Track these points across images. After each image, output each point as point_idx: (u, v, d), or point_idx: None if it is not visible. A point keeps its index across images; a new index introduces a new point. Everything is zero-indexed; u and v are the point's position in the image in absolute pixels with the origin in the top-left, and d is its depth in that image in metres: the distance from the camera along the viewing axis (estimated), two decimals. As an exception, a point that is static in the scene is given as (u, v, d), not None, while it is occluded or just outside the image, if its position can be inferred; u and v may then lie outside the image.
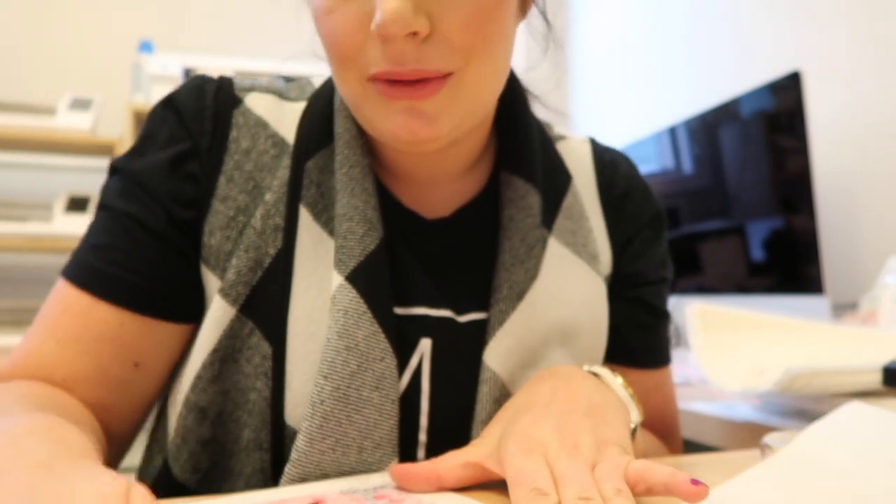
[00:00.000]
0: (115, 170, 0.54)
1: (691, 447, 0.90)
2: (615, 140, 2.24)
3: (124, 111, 2.13)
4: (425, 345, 0.52)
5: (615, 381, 0.50)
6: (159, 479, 0.54)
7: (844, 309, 1.29)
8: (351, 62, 0.46)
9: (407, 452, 0.51)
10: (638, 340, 0.62)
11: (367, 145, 0.54)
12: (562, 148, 0.62)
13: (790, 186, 1.39)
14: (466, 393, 0.52)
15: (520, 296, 0.53)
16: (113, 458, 0.53)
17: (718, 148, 1.62)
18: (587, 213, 0.60)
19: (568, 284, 0.56)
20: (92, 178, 2.30)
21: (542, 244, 0.55)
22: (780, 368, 0.71)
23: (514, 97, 0.58)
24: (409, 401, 0.51)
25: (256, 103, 0.55)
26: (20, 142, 2.06)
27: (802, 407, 0.80)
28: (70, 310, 0.50)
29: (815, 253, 1.31)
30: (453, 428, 0.52)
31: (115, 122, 2.26)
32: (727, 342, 0.85)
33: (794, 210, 1.38)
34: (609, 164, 0.64)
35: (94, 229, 0.53)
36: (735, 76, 1.83)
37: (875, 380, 0.69)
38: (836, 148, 1.51)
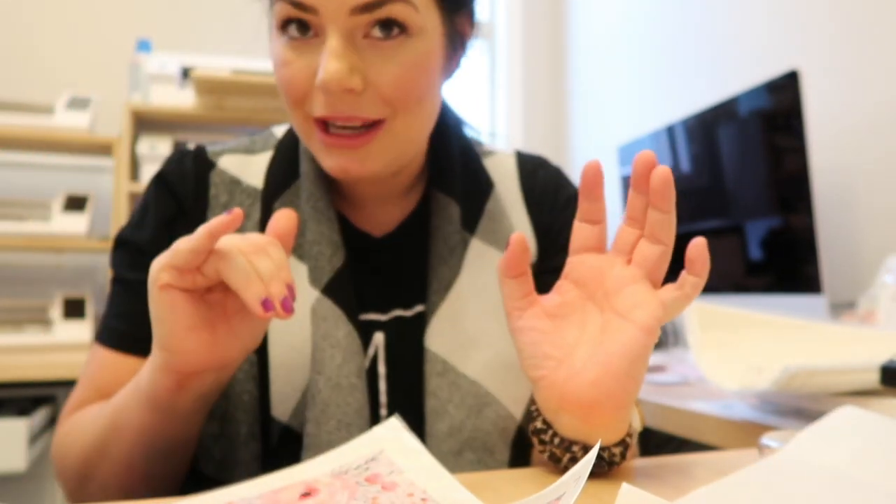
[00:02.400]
0: (121, 243, 0.65)
1: (689, 446, 0.90)
2: (614, 139, 2.24)
3: (122, 110, 2.12)
4: (378, 338, 0.64)
5: None
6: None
7: (842, 308, 1.29)
8: (300, 105, 0.57)
9: (373, 425, 0.57)
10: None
11: (327, 180, 0.65)
12: (489, 162, 0.73)
13: (788, 185, 1.39)
14: (415, 371, 0.62)
15: (447, 288, 0.64)
16: (179, 464, 0.61)
17: (716, 147, 1.62)
18: (508, 213, 0.70)
19: (490, 275, 0.66)
20: (90, 177, 2.30)
21: (464, 245, 0.66)
22: (778, 367, 0.71)
23: (441, 129, 0.68)
24: (370, 383, 0.62)
25: (228, 164, 0.67)
26: (18, 141, 2.06)
27: (800, 406, 0.80)
28: (104, 366, 0.62)
29: (813, 252, 1.31)
30: (408, 402, 0.62)
31: (113, 122, 2.25)
32: (725, 341, 0.85)
33: (792, 209, 1.38)
34: (531, 170, 0.74)
35: (113, 300, 0.65)
36: (733, 75, 1.83)
37: (873, 379, 0.69)
38: (834, 147, 1.51)
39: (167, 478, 0.58)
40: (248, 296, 0.47)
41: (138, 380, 0.54)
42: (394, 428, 0.50)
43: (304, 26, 0.54)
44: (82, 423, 0.59)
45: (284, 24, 0.55)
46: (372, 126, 0.56)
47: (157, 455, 0.56)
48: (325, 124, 0.56)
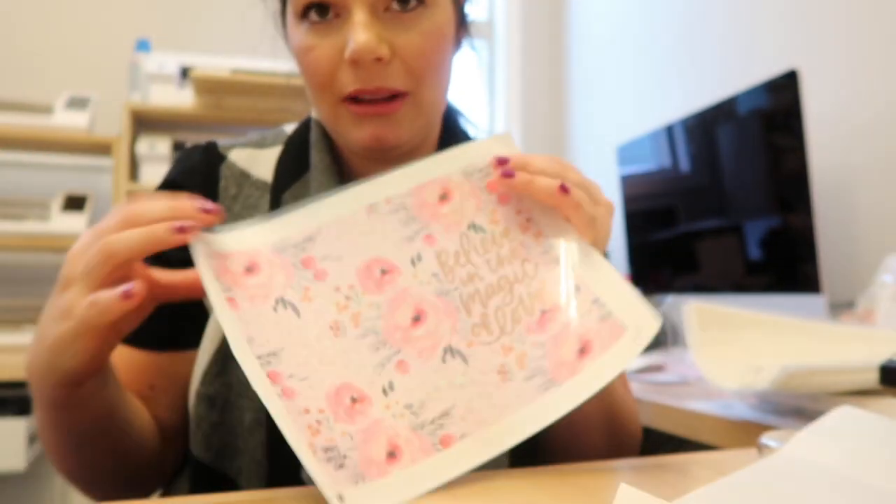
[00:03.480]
0: None
1: (688, 446, 0.90)
2: (613, 139, 2.24)
3: (121, 110, 2.12)
4: None
5: None
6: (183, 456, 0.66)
7: (841, 308, 1.30)
8: (327, 88, 0.58)
9: None
10: None
11: (338, 173, 0.66)
12: None
13: (787, 185, 1.39)
14: None
15: None
16: (171, 444, 0.64)
17: (715, 147, 1.62)
18: None
19: None
20: (89, 176, 2.30)
21: None
22: (777, 367, 0.71)
23: (450, 124, 0.71)
24: None
25: (238, 158, 0.68)
26: (17, 140, 2.06)
27: (799, 405, 0.80)
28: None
29: (812, 252, 1.31)
30: None
31: (113, 121, 2.25)
32: (724, 341, 0.85)
33: (791, 209, 1.38)
34: None
35: None
36: (732, 75, 1.83)
37: (872, 378, 0.69)
38: (833, 147, 1.51)
39: (115, 464, 0.57)
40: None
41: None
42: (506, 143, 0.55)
43: (322, 10, 0.57)
44: None
45: (305, 11, 0.57)
46: (398, 97, 0.58)
47: (81, 443, 0.54)
48: (353, 101, 0.58)
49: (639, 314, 0.47)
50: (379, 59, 0.56)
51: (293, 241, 0.49)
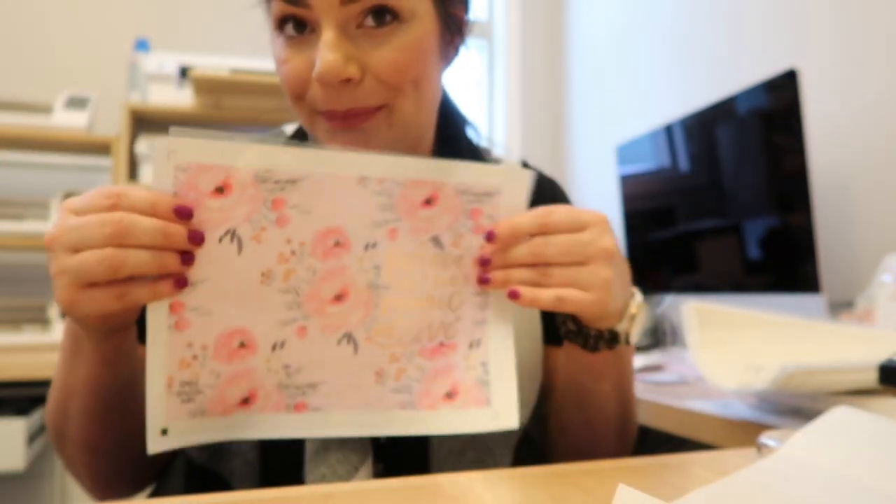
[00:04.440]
0: None
1: (687, 445, 0.90)
2: (613, 139, 2.24)
3: (121, 110, 2.12)
4: None
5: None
6: (177, 457, 0.67)
7: (841, 307, 1.30)
8: (301, 100, 0.59)
9: None
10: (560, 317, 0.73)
11: None
12: None
13: (786, 185, 1.39)
14: None
15: None
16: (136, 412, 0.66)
17: (715, 146, 1.62)
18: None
19: None
20: (88, 176, 2.29)
21: None
22: (776, 367, 0.71)
23: (450, 128, 0.71)
24: None
25: None
26: (16, 140, 2.05)
27: (799, 405, 0.80)
28: None
29: (811, 251, 1.31)
30: None
31: (112, 121, 2.25)
32: (723, 340, 0.85)
33: (790, 208, 1.38)
34: (536, 183, 0.77)
35: None
36: (731, 74, 1.83)
37: (871, 378, 0.69)
38: (832, 146, 1.51)
39: (130, 430, 0.58)
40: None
41: (75, 342, 0.55)
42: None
43: (300, 24, 0.56)
44: (50, 395, 0.61)
45: (281, 23, 0.57)
46: (371, 112, 0.58)
47: (112, 404, 0.56)
48: (328, 115, 0.58)
49: (508, 404, 0.52)
50: (348, 81, 0.55)
51: (276, 177, 0.49)
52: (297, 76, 0.57)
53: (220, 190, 0.47)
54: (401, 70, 0.56)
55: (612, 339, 0.57)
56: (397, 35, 0.56)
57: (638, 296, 0.59)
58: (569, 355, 0.61)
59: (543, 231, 0.52)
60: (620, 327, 0.57)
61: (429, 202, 0.52)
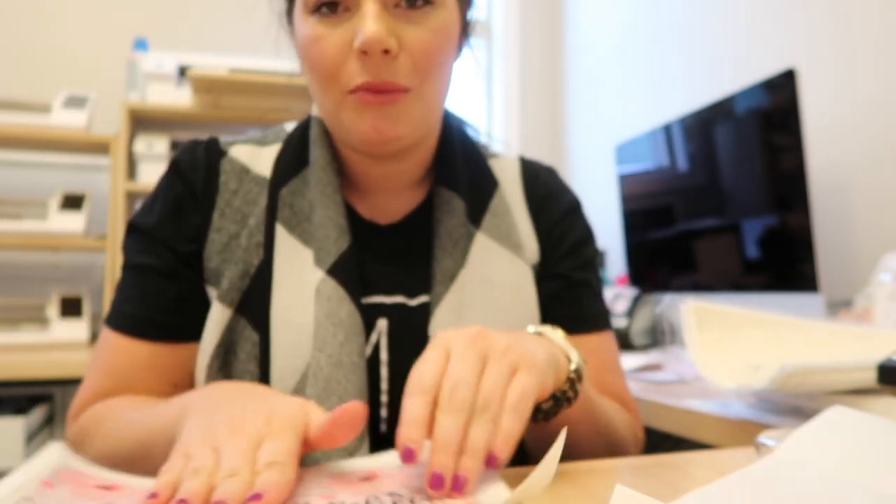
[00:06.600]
0: (132, 228, 0.68)
1: (686, 445, 0.90)
2: (611, 138, 2.24)
3: (119, 109, 2.12)
4: (382, 324, 0.66)
5: (556, 333, 0.58)
6: None
7: (839, 306, 1.30)
8: (333, 79, 0.59)
9: (373, 411, 0.64)
10: (564, 309, 0.72)
11: (337, 169, 0.68)
12: (494, 163, 0.76)
13: (785, 184, 1.39)
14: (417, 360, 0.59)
15: (451, 279, 0.66)
16: None
17: (713, 146, 1.62)
18: (512, 211, 0.73)
19: (494, 268, 0.69)
20: (87, 175, 2.29)
21: (468, 238, 0.68)
22: (774, 366, 0.72)
23: (445, 128, 0.72)
24: (372, 369, 0.64)
25: (239, 153, 0.69)
26: (15, 139, 2.05)
27: (797, 404, 0.80)
28: (118, 352, 0.64)
29: (809, 250, 1.32)
30: None
31: (110, 120, 2.25)
32: (722, 340, 0.85)
33: (788, 208, 1.38)
34: (533, 174, 0.77)
35: (124, 284, 0.67)
36: (730, 74, 1.83)
37: (870, 377, 0.69)
38: (830, 146, 1.51)
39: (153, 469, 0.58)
40: None
41: (168, 421, 0.51)
42: None
43: (332, 6, 0.59)
44: (108, 426, 0.59)
45: (317, 6, 0.59)
46: (400, 91, 0.59)
47: (154, 457, 0.55)
48: (364, 88, 0.59)
49: None
50: (387, 52, 0.57)
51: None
52: (332, 53, 0.58)
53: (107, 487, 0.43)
54: (431, 52, 0.59)
55: (556, 404, 0.54)
56: (430, 17, 0.59)
57: (573, 355, 0.55)
58: (528, 432, 0.56)
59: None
60: (560, 393, 0.54)
61: (367, 479, 0.46)
